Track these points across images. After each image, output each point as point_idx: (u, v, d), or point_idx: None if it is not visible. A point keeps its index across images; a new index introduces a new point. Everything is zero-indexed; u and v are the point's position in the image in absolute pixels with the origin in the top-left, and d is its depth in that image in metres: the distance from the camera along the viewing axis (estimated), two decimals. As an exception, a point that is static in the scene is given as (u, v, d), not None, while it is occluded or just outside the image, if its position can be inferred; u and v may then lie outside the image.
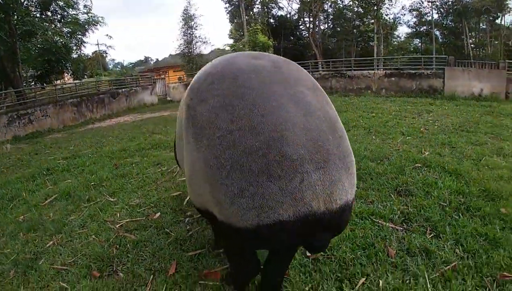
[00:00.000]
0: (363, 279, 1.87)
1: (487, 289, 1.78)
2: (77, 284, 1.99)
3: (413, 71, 11.86)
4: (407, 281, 1.85)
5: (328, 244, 1.28)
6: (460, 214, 2.55)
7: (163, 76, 22.66)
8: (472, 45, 19.55)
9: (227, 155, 1.10)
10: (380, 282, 1.84)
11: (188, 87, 1.48)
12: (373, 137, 5.17)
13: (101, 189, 3.62)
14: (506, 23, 21.11)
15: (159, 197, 3.23)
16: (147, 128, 7.84)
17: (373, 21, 20.43)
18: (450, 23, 22.00)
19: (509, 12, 19.92)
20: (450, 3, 21.32)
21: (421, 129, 5.79)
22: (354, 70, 12.83)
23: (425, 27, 22.90)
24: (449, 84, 11.14)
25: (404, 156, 3.95)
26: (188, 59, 23.25)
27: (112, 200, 3.27)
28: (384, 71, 12.28)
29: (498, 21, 21.61)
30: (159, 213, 2.88)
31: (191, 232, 2.54)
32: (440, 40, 23.05)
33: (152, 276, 2.01)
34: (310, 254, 2.10)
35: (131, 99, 15.00)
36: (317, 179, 1.04)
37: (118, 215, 2.93)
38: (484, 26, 20.29)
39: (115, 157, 4.93)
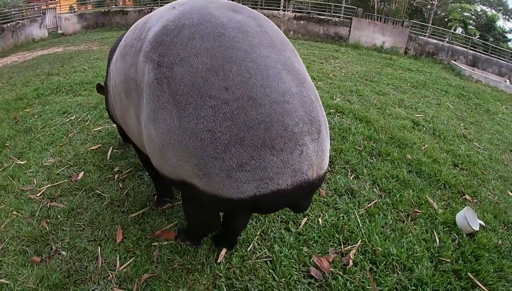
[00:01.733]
0: (305, 219, 2.15)
1: (404, 222, 2.27)
2: (18, 275, 1.70)
3: (322, 17, 12.46)
4: (342, 218, 2.21)
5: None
6: (374, 158, 3.04)
7: (53, 5, 18.61)
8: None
9: (223, 127, 1.04)
10: (320, 220, 2.16)
11: (151, 38, 1.27)
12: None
13: (5, 150, 3.03)
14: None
15: (75, 152, 2.88)
16: (41, 69, 6.55)
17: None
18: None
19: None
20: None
21: (330, 75, 6.24)
22: (265, 8, 12.76)
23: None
24: (355, 33, 12.17)
25: (319, 101, 4.38)
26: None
27: (22, 162, 2.80)
28: (294, 13, 12.58)
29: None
30: (82, 172, 2.59)
31: (126, 190, 2.39)
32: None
33: (99, 247, 1.88)
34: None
35: (18, 35, 12.18)
36: (312, 150, 1.10)
37: (34, 181, 2.53)
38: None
39: (12, 108, 4.05)
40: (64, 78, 5.29)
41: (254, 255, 1.83)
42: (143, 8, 14.36)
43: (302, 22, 12.44)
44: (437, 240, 2.14)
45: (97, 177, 2.55)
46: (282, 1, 14.32)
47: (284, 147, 1.05)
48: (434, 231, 2.23)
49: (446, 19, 21.20)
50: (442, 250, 2.05)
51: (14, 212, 2.20)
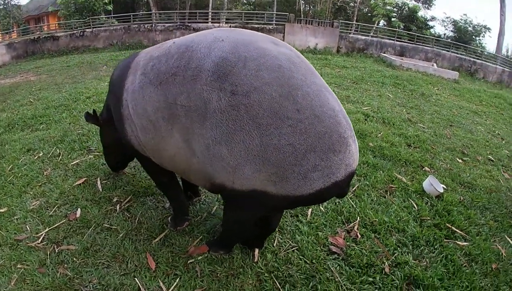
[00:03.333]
0: (310, 210, 2.53)
1: (385, 197, 2.79)
2: None
3: (257, 26, 13.25)
4: (338, 203, 2.64)
5: None
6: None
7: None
8: (302, 1, 22.90)
9: (301, 140, 1.36)
10: (321, 208, 2.57)
11: (213, 69, 1.44)
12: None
13: (-24, 201, 2.75)
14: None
15: (60, 190, 2.75)
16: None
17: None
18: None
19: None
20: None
21: None
22: (200, 22, 13.20)
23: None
24: (288, 38, 13.13)
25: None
26: (4, 13, 18.18)
27: (3, 210, 2.59)
28: (229, 24, 13.17)
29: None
30: (79, 210, 2.49)
31: (137, 218, 2.40)
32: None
33: (135, 279, 1.90)
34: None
35: None
36: (354, 148, 1.50)
37: (27, 228, 2.37)
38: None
39: (-35, 152, 3.62)
40: (12, 114, 4.94)
41: (282, 248, 2.16)
42: (75, 31, 13.91)
43: (237, 32, 13.02)
44: (415, 205, 2.68)
45: (98, 211, 2.50)
46: (210, 13, 14.78)
47: (341, 148, 1.43)
48: (410, 199, 2.78)
49: (369, 14, 23.50)
50: (421, 211, 2.60)
51: (19, 265, 2.04)
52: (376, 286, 1.92)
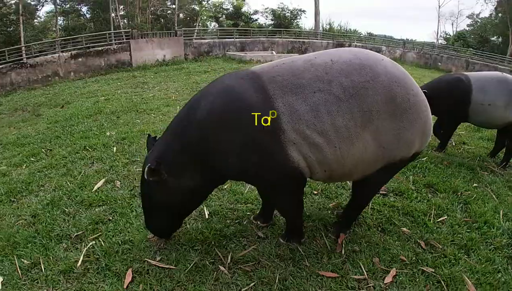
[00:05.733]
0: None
1: None
2: None
3: (100, 48, 12.23)
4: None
5: None
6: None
7: None
8: (120, 16, 22.10)
9: (425, 117, 2.01)
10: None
11: (391, 83, 1.86)
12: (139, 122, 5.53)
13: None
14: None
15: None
16: None
17: (15, 1, 17.58)
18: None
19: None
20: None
21: (172, 97, 6.97)
22: (36, 56, 11.24)
23: (69, 4, 22.84)
24: (136, 55, 12.66)
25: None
26: None
27: None
28: (70, 52, 11.71)
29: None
30: None
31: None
32: (89, 15, 24.18)
33: None
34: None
35: None
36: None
37: None
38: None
39: None
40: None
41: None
42: None
43: (80, 59, 11.70)
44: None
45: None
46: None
47: (428, 128, 2.09)
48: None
49: (188, 19, 24.71)
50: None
51: None
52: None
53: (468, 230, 2.60)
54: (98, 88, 8.78)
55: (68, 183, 3.29)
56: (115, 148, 4.13)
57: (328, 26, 25.39)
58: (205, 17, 19.31)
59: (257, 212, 2.67)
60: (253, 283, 2.01)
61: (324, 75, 1.84)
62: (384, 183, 2.41)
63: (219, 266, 2.15)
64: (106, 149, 4.13)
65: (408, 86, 1.93)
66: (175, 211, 2.15)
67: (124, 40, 12.66)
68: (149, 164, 1.85)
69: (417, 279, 2.09)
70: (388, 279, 2.08)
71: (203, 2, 19.94)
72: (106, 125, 5.20)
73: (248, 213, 2.74)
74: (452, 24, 56.38)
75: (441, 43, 28.62)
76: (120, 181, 3.27)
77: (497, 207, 2.92)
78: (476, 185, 3.35)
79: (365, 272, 2.12)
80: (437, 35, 33.63)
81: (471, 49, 20.35)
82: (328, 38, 18.74)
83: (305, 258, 2.21)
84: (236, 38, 15.31)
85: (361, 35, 23.77)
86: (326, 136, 1.82)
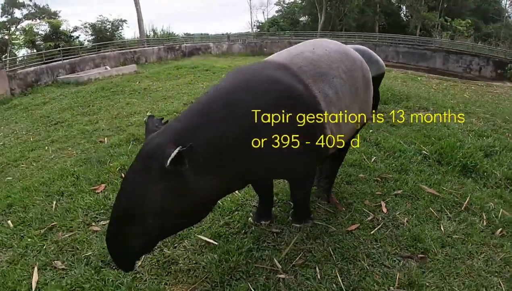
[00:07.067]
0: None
1: None
2: None
3: None
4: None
5: None
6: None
7: None
8: None
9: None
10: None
11: (362, 64, 2.40)
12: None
13: None
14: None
15: None
16: None
17: None
18: None
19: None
20: None
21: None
22: None
23: None
24: None
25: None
26: None
27: None
28: None
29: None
30: None
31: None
32: None
33: None
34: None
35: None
36: None
37: None
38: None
39: None
40: None
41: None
42: None
43: None
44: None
45: None
46: None
47: None
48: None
49: None
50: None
51: None
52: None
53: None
54: None
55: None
56: None
57: (152, 33, 25.37)
58: (16, 46, 16.09)
59: (253, 214, 2.68)
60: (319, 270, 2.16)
61: (331, 63, 2.16)
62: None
63: (278, 275, 2.12)
64: None
65: (364, 64, 2.49)
66: (169, 224, 1.72)
67: None
68: (180, 146, 1.51)
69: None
70: (384, 209, 2.80)
71: (12, 29, 16.48)
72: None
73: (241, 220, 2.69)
74: (263, 12, 64.60)
75: (255, 32, 32.64)
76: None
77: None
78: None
79: (370, 213, 2.72)
80: (251, 25, 38.10)
81: (288, 31, 24.16)
82: (158, 43, 18.76)
83: (327, 228, 2.58)
84: (64, 60, 13.49)
85: (192, 35, 24.78)
86: (343, 113, 2.17)
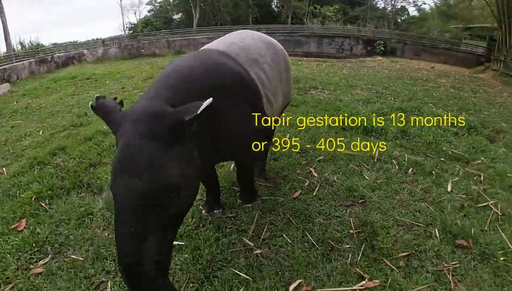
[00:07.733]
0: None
1: None
2: None
3: None
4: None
5: None
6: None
7: None
8: None
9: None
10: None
11: (282, 51, 2.69)
12: None
13: None
14: None
15: None
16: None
17: None
18: None
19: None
20: None
21: None
22: None
23: None
24: None
25: None
26: None
27: None
28: None
29: None
30: None
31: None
32: None
33: None
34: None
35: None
36: None
37: None
38: None
39: None
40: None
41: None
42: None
43: None
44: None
45: None
46: None
47: None
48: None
49: None
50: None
51: None
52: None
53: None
54: None
55: None
56: None
57: (19, 46, 21.84)
58: None
59: (204, 207, 2.70)
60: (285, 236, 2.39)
61: (260, 51, 2.34)
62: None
63: (254, 252, 2.21)
64: None
65: (284, 51, 2.79)
66: (186, 203, 1.54)
67: None
68: (207, 100, 1.37)
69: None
70: (315, 174, 3.18)
71: None
72: None
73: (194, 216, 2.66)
74: (135, 13, 60.80)
75: (129, 34, 30.84)
76: None
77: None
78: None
79: (305, 179, 3.06)
80: (123, 27, 35.77)
81: (163, 30, 23.47)
82: (28, 57, 16.21)
83: (276, 200, 2.79)
84: None
85: (62, 44, 22.03)
86: (273, 94, 2.38)
